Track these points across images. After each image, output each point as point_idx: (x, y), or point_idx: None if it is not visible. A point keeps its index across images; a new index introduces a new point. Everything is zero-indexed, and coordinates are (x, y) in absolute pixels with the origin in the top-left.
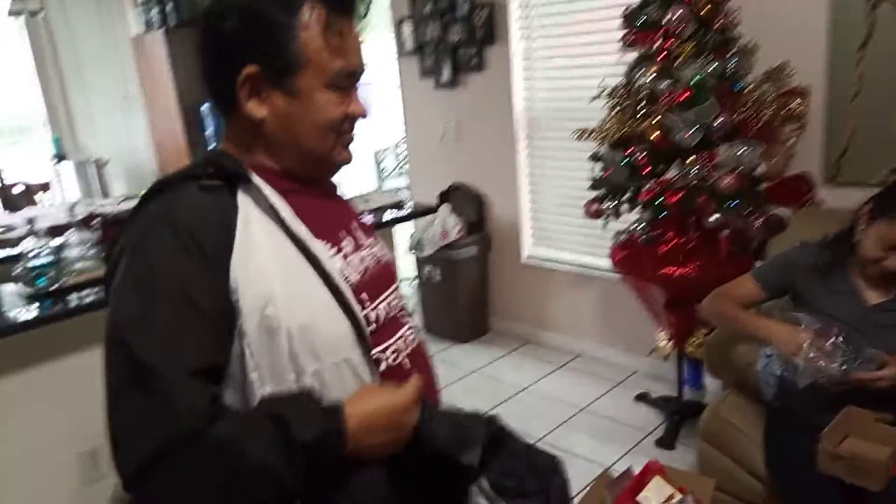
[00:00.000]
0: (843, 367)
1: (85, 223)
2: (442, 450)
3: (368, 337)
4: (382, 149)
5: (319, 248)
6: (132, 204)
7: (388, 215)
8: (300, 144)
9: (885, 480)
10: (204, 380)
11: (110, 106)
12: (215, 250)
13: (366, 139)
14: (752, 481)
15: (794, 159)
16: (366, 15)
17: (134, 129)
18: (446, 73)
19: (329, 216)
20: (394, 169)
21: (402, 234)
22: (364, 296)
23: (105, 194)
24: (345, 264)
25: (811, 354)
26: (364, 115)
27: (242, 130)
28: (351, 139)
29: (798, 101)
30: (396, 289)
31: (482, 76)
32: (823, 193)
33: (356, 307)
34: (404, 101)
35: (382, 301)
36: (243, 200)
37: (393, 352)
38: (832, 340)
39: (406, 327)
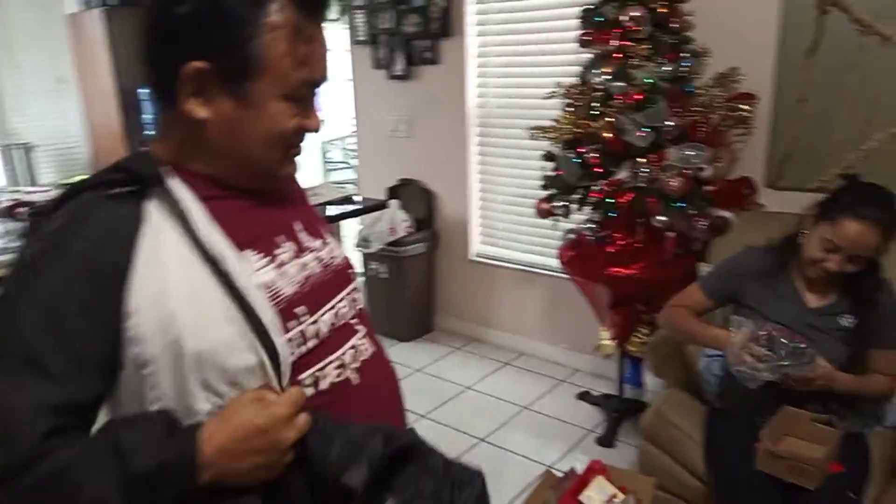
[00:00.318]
0: (784, 367)
1: (9, 212)
2: (328, 470)
3: (287, 364)
4: (330, 140)
5: (234, 264)
6: (58, 191)
7: (336, 210)
8: (243, 155)
9: (821, 479)
10: (48, 413)
11: (41, 87)
12: (108, 277)
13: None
14: (692, 480)
15: (739, 163)
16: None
17: (66, 113)
18: (399, 65)
19: (264, 220)
20: (341, 161)
21: (349, 229)
22: (301, 309)
23: (33, 181)
24: (278, 275)
25: (749, 358)
26: (318, 130)
27: (178, 129)
28: (299, 152)
29: (746, 105)
30: (350, 293)
31: (436, 70)
32: (765, 197)
33: (274, 331)
34: (356, 91)
35: (327, 311)
36: (155, 209)
37: (337, 367)
38: (772, 342)
39: (358, 336)
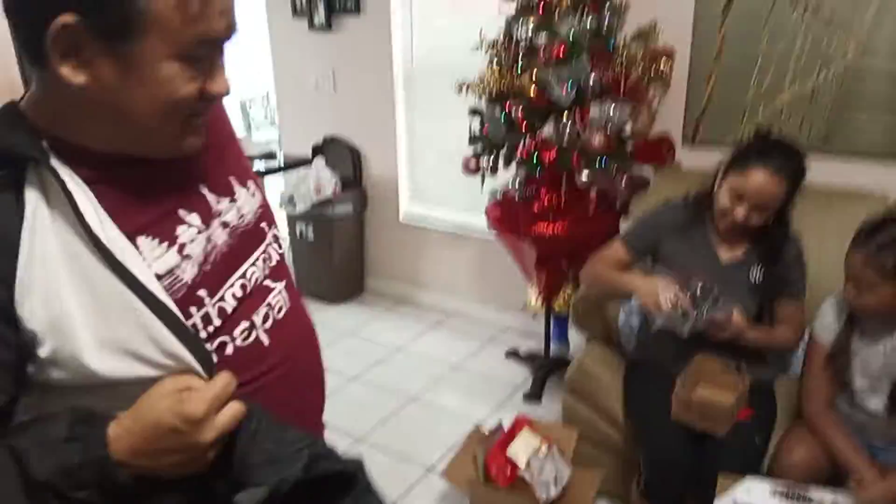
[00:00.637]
0: (702, 312)
1: None
2: (241, 476)
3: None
4: (250, 98)
5: (129, 257)
6: None
7: (257, 168)
8: (132, 126)
9: (730, 425)
10: None
11: None
12: None
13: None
14: (613, 430)
15: (657, 119)
16: None
17: None
18: (320, 14)
19: (163, 196)
20: (265, 118)
21: (273, 189)
22: (202, 292)
23: None
24: (178, 260)
25: (669, 305)
26: (226, 93)
27: (54, 94)
28: (203, 122)
29: (664, 61)
30: (263, 251)
31: (359, 20)
32: (682, 154)
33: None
34: (273, 43)
35: (234, 283)
36: (33, 194)
37: (244, 331)
38: (691, 290)
39: (274, 293)
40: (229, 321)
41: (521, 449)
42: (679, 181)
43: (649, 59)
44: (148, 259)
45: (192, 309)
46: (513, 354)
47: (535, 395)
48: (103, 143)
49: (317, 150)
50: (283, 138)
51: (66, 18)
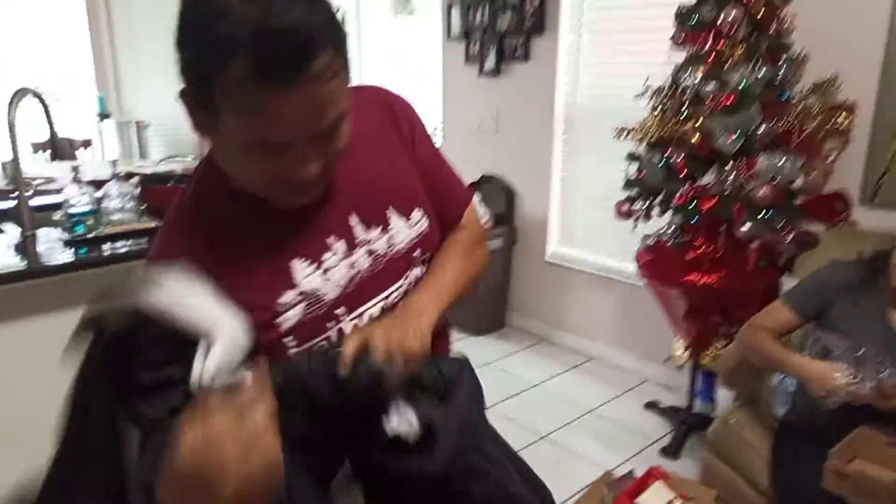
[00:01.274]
0: (876, 381)
1: (125, 179)
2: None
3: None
4: None
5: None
6: (169, 166)
7: None
8: (240, 182)
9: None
10: None
11: (158, 70)
12: None
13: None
14: (755, 495)
15: (833, 176)
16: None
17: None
18: (491, 61)
19: (312, 223)
20: None
21: None
22: (340, 311)
23: (143, 156)
24: (322, 281)
25: (846, 392)
26: (304, 179)
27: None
28: (304, 188)
29: (844, 115)
30: (408, 277)
31: (526, 66)
32: (859, 213)
33: None
34: (445, 86)
35: (373, 306)
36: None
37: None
38: (865, 364)
39: None
40: None
41: (653, 500)
42: (852, 241)
43: (827, 113)
44: (298, 278)
45: (329, 324)
46: (652, 406)
47: (673, 450)
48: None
49: (474, 187)
50: None
51: (184, 86)
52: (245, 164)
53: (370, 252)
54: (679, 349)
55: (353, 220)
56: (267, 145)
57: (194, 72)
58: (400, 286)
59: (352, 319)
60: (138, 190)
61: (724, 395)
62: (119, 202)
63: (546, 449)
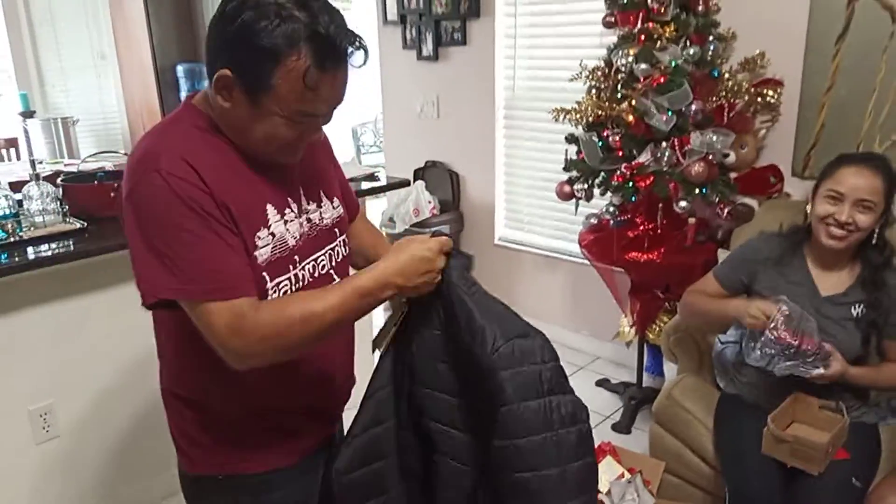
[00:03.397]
0: (794, 364)
1: (49, 180)
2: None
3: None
4: (362, 123)
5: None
6: (100, 163)
7: (363, 187)
8: (247, 141)
9: (824, 464)
10: None
11: (83, 64)
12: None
13: (344, 114)
14: (702, 465)
15: (765, 150)
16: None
17: (106, 89)
18: (428, 46)
19: (278, 183)
20: (373, 145)
21: (375, 209)
22: (296, 257)
23: (72, 154)
24: (284, 229)
25: (779, 330)
26: (317, 141)
27: (213, 102)
28: (299, 148)
29: (772, 91)
30: (333, 248)
31: (465, 51)
32: (791, 185)
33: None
34: (383, 72)
35: (309, 262)
36: None
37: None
38: (794, 323)
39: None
40: (311, 285)
41: (604, 475)
42: (786, 214)
43: (756, 90)
44: (271, 221)
45: (290, 266)
46: (604, 383)
47: (624, 425)
48: (230, 138)
49: (418, 174)
50: (387, 161)
51: (225, 72)
52: (278, 128)
53: (308, 220)
54: (625, 326)
55: (301, 192)
56: (306, 116)
57: (254, 63)
58: (326, 253)
59: (301, 269)
60: (59, 189)
61: (673, 369)
62: (40, 203)
63: None
